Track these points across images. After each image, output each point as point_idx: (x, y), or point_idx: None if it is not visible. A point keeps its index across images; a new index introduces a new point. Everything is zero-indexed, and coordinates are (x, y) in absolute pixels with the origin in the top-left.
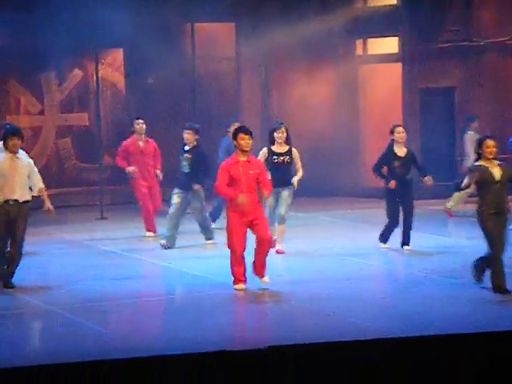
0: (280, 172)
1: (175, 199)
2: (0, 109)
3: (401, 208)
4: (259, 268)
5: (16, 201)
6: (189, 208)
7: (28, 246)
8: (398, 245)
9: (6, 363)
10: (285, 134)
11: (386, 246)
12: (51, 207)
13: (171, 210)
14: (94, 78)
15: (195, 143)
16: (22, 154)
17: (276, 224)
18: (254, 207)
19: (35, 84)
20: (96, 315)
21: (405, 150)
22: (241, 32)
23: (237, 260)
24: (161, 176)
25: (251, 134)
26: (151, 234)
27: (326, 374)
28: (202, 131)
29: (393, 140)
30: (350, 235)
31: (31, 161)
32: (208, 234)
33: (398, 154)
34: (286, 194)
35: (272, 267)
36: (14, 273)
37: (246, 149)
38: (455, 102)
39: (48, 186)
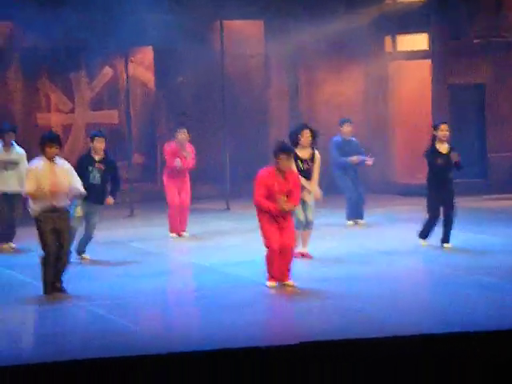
0: (303, 176)
1: (78, 212)
2: (31, 106)
3: (442, 206)
4: (283, 274)
5: (59, 208)
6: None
7: None
8: (436, 242)
9: (37, 359)
10: (310, 138)
11: (425, 243)
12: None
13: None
14: (124, 76)
15: (103, 154)
16: (59, 160)
17: (302, 230)
18: (284, 214)
19: (66, 82)
20: (126, 312)
21: (447, 146)
22: (269, 29)
23: (273, 257)
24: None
25: (292, 154)
26: (174, 235)
27: (358, 370)
28: (232, 128)
29: (434, 136)
30: (381, 232)
31: (69, 166)
32: (83, 248)
33: (441, 151)
34: (312, 200)
35: (301, 265)
36: (61, 279)
37: (285, 170)
38: (485, 99)
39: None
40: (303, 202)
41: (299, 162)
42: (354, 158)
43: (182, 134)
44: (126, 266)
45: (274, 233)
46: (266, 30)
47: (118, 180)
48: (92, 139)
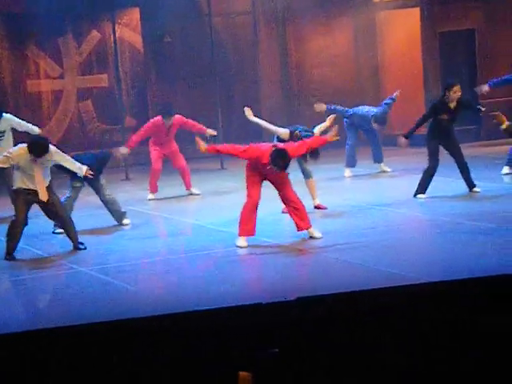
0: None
1: (73, 192)
2: (20, 74)
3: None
4: (300, 221)
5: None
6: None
7: None
8: (433, 192)
9: (36, 324)
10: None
11: (424, 196)
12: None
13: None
14: (112, 38)
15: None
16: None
17: (304, 179)
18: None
19: (54, 48)
20: (126, 274)
21: (455, 102)
22: None
23: (248, 207)
24: (213, 132)
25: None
26: (152, 195)
27: (359, 322)
28: (223, 87)
29: (447, 95)
30: (377, 184)
31: (54, 149)
32: (122, 215)
33: (450, 107)
34: None
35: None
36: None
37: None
38: (476, 44)
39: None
40: None
41: None
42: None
43: (170, 121)
44: (124, 229)
45: (254, 182)
46: None
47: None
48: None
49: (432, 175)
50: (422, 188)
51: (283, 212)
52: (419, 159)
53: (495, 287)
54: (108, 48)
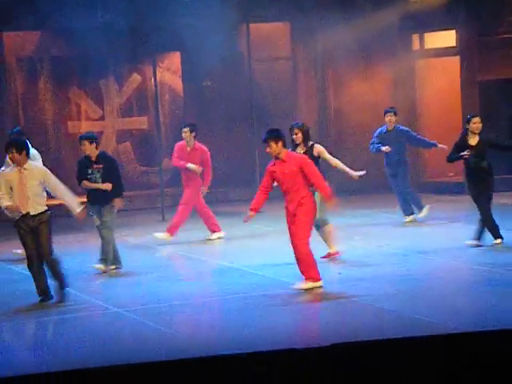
0: None
1: (96, 221)
2: (62, 115)
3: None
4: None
5: (36, 215)
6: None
7: (92, 249)
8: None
9: (72, 365)
10: (299, 135)
11: (499, 241)
12: (79, 215)
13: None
14: (152, 82)
15: (97, 152)
16: (33, 164)
17: (320, 229)
18: (295, 206)
19: (95, 90)
20: (160, 316)
21: (477, 138)
22: (296, 31)
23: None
24: (204, 192)
25: (276, 139)
26: (218, 234)
27: (392, 371)
28: (261, 132)
29: (467, 129)
30: (415, 231)
31: (44, 170)
32: (113, 260)
33: (470, 143)
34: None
35: (331, 266)
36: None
37: (273, 154)
38: None
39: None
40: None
41: None
42: (385, 148)
43: (185, 133)
44: (160, 270)
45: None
46: (292, 31)
47: (117, 177)
48: (79, 143)
49: (489, 219)
50: (494, 233)
51: (323, 257)
52: (459, 207)
53: None
54: (148, 91)
